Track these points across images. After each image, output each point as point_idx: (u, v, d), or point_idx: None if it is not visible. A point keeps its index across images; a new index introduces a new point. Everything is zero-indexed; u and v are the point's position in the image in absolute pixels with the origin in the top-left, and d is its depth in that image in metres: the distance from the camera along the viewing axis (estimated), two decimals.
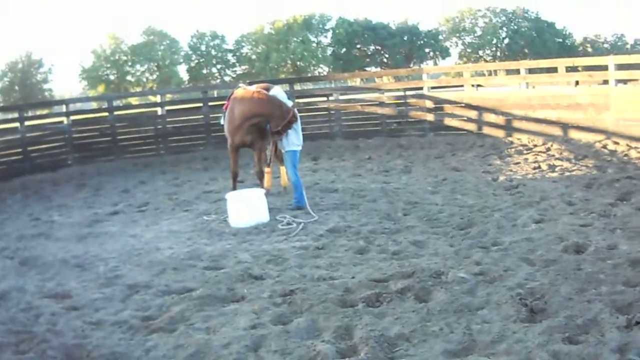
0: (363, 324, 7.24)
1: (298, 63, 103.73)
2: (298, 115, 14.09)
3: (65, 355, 7.12)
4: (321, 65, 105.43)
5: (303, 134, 14.62)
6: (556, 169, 16.24)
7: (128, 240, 12.66)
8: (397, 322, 7.27)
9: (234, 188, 15.22)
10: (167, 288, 9.31)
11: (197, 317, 8.00)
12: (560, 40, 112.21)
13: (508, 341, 6.54)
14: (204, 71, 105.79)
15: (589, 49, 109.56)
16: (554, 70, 22.59)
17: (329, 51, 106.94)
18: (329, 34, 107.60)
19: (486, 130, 22.44)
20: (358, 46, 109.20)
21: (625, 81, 20.71)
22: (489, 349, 6.48)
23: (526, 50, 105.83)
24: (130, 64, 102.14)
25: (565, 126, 20.26)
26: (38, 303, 9.04)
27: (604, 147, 18.36)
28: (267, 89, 14.93)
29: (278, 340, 7.01)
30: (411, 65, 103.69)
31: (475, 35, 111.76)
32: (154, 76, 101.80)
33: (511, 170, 16.69)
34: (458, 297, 7.81)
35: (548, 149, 19.20)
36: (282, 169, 15.74)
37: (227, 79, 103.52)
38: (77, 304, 8.95)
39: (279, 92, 14.82)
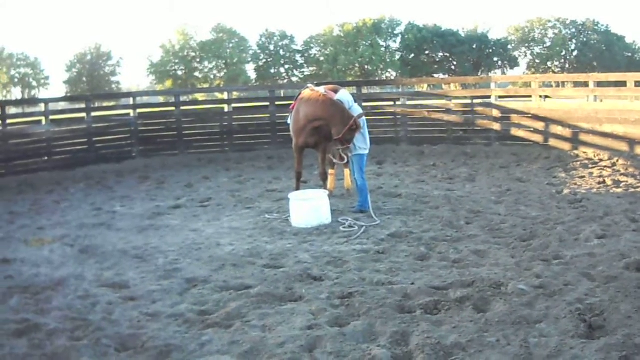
0: (420, 330, 7.14)
1: (366, 66, 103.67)
2: (362, 123, 13.89)
3: (119, 344, 7.15)
4: (389, 70, 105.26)
5: (369, 138, 14.51)
6: (621, 185, 15.90)
7: (189, 234, 12.70)
8: (454, 331, 7.15)
9: (297, 188, 15.16)
10: (225, 284, 9.30)
11: (253, 314, 7.96)
12: (630, 54, 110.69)
13: (565, 356, 6.38)
14: (272, 71, 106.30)
15: None
16: (622, 84, 22.17)
17: (397, 56, 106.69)
18: (398, 39, 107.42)
19: (552, 142, 22.10)
20: (427, 52, 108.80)
21: None
22: None
23: (595, 64, 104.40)
24: (198, 60, 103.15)
25: (632, 142, 19.80)
26: (95, 291, 9.12)
27: None
28: (335, 91, 14.83)
29: (334, 342, 6.93)
30: (479, 73, 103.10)
31: (545, 46, 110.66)
32: (222, 74, 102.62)
33: (576, 184, 16.39)
34: (517, 309, 7.65)
35: (614, 164, 18.83)
36: (346, 171, 15.66)
37: (294, 79, 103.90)
38: (134, 294, 9.01)
39: (345, 95, 14.69)
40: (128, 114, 24.59)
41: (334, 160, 14.44)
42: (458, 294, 8.30)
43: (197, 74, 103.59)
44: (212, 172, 21.09)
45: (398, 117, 24.88)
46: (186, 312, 8.09)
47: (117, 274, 10.07)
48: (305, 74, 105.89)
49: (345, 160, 14.08)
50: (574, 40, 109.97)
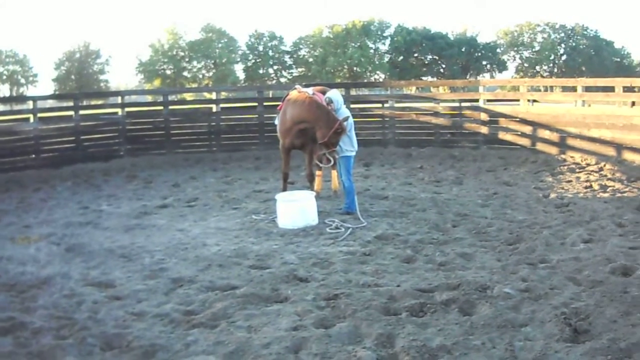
0: (405, 333, 7.19)
1: (355, 68, 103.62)
2: (348, 126, 13.91)
3: (104, 343, 7.17)
4: (377, 72, 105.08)
5: (356, 140, 14.53)
6: (608, 190, 15.98)
7: (175, 234, 12.72)
8: (439, 334, 7.19)
9: (284, 189, 15.20)
10: (211, 284, 9.33)
11: (239, 315, 7.99)
12: (618, 59, 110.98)
13: None
14: (261, 71, 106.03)
15: None
16: (610, 89, 22.23)
17: (386, 58, 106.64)
18: (387, 41, 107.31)
19: (540, 146, 22.21)
20: (415, 55, 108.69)
21: None
22: None
23: (583, 68, 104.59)
24: (187, 60, 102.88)
25: (619, 147, 19.90)
26: (81, 290, 9.13)
27: None
28: (323, 92, 14.88)
29: (319, 343, 6.96)
30: (468, 76, 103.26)
31: (533, 50, 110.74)
32: (211, 73, 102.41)
33: (562, 188, 16.46)
34: (502, 312, 7.70)
35: (601, 169, 18.91)
36: (334, 173, 15.70)
37: (283, 80, 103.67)
38: (120, 293, 9.04)
39: (336, 94, 14.69)
40: (116, 113, 24.60)
41: (320, 164, 14.46)
42: (444, 296, 8.35)
43: (185, 73, 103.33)
44: (199, 172, 21.11)
45: (386, 119, 24.93)
46: (172, 312, 8.11)
47: (103, 273, 10.08)
48: (294, 74, 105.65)
49: (332, 163, 14.10)
50: (562, 45, 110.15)
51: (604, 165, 19.16)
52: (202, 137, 25.34)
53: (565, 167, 19.52)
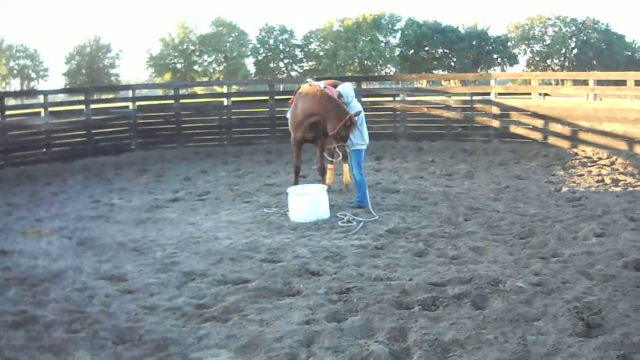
0: (418, 327, 7.16)
1: (365, 62, 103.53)
2: (359, 119, 13.87)
3: (116, 337, 7.16)
4: (388, 66, 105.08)
5: (368, 133, 14.49)
6: (620, 184, 15.91)
7: (187, 227, 12.72)
8: (452, 328, 7.16)
9: (296, 182, 15.15)
10: (223, 278, 9.33)
11: (251, 308, 7.98)
12: (629, 53, 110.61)
13: (562, 354, 6.41)
14: (271, 65, 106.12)
15: None
16: (622, 83, 22.19)
17: (397, 52, 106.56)
18: (398, 35, 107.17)
19: (551, 140, 22.12)
20: (426, 48, 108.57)
21: None
22: None
23: (594, 62, 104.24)
24: (198, 54, 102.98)
25: (631, 140, 19.81)
26: (93, 284, 9.13)
27: None
28: (335, 86, 14.84)
29: (331, 337, 6.95)
30: (479, 70, 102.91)
31: (544, 43, 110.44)
32: (221, 67, 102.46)
33: (574, 182, 16.39)
34: (515, 306, 7.68)
35: (612, 163, 18.85)
36: (345, 166, 15.67)
37: (293, 74, 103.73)
38: (132, 287, 9.04)
39: (348, 88, 14.63)
40: (127, 107, 24.61)
41: (330, 159, 14.43)
42: (456, 290, 8.32)
43: (196, 67, 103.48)
44: (210, 165, 21.11)
45: (397, 112, 24.88)
46: (184, 306, 8.10)
47: (114, 266, 10.09)
48: (305, 68, 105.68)
49: (340, 158, 14.03)
50: (573, 39, 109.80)
51: (616, 159, 19.08)
52: (213, 130, 25.35)
53: (577, 161, 19.44)
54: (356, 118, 13.60)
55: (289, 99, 16.00)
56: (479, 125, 24.03)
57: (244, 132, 25.29)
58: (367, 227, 12.27)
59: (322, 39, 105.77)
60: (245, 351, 6.78)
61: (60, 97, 30.46)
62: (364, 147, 14.27)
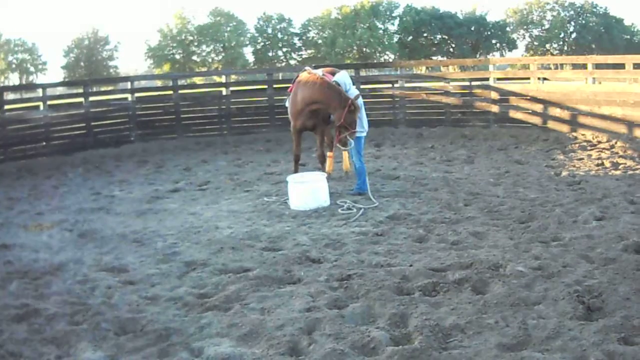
0: (418, 312, 7.18)
1: (364, 49, 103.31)
2: (359, 104, 13.87)
3: (118, 328, 7.19)
4: (387, 52, 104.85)
5: (367, 120, 14.50)
6: (619, 167, 15.89)
7: (187, 218, 12.73)
8: (452, 313, 7.19)
9: (296, 171, 15.17)
10: (224, 267, 9.34)
11: (252, 297, 8.00)
12: (628, 37, 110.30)
13: (563, 338, 6.42)
14: (270, 54, 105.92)
15: None
16: (621, 66, 22.10)
17: (395, 38, 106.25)
18: (396, 22, 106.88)
19: (551, 124, 22.08)
20: (425, 35, 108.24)
21: None
22: (543, 345, 6.37)
23: (593, 46, 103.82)
24: (196, 44, 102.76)
25: (630, 124, 19.75)
26: (94, 276, 9.15)
27: None
28: (333, 73, 14.83)
29: (332, 324, 6.96)
30: (477, 55, 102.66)
31: (543, 28, 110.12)
32: (220, 57, 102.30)
33: (574, 166, 16.38)
34: (515, 290, 7.70)
35: (612, 146, 18.82)
36: (345, 153, 15.65)
37: (292, 62, 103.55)
38: (133, 278, 9.06)
39: (344, 76, 14.63)
40: (126, 98, 24.55)
41: (342, 148, 14.40)
42: (456, 275, 8.35)
43: (194, 57, 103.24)
44: (210, 155, 21.13)
45: (396, 99, 24.87)
46: (185, 296, 8.13)
47: (116, 258, 10.10)
48: (303, 56, 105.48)
49: (352, 145, 14.01)
50: (572, 23, 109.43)
51: (615, 143, 19.06)
52: (213, 120, 25.39)
53: (577, 145, 19.43)
54: (357, 102, 13.62)
55: (288, 87, 16.02)
56: (478, 110, 23.98)
57: (244, 121, 25.40)
58: (367, 214, 12.28)
59: (320, 27, 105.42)
60: (247, 339, 6.80)
61: (59, 90, 30.30)
62: (364, 134, 14.28)
